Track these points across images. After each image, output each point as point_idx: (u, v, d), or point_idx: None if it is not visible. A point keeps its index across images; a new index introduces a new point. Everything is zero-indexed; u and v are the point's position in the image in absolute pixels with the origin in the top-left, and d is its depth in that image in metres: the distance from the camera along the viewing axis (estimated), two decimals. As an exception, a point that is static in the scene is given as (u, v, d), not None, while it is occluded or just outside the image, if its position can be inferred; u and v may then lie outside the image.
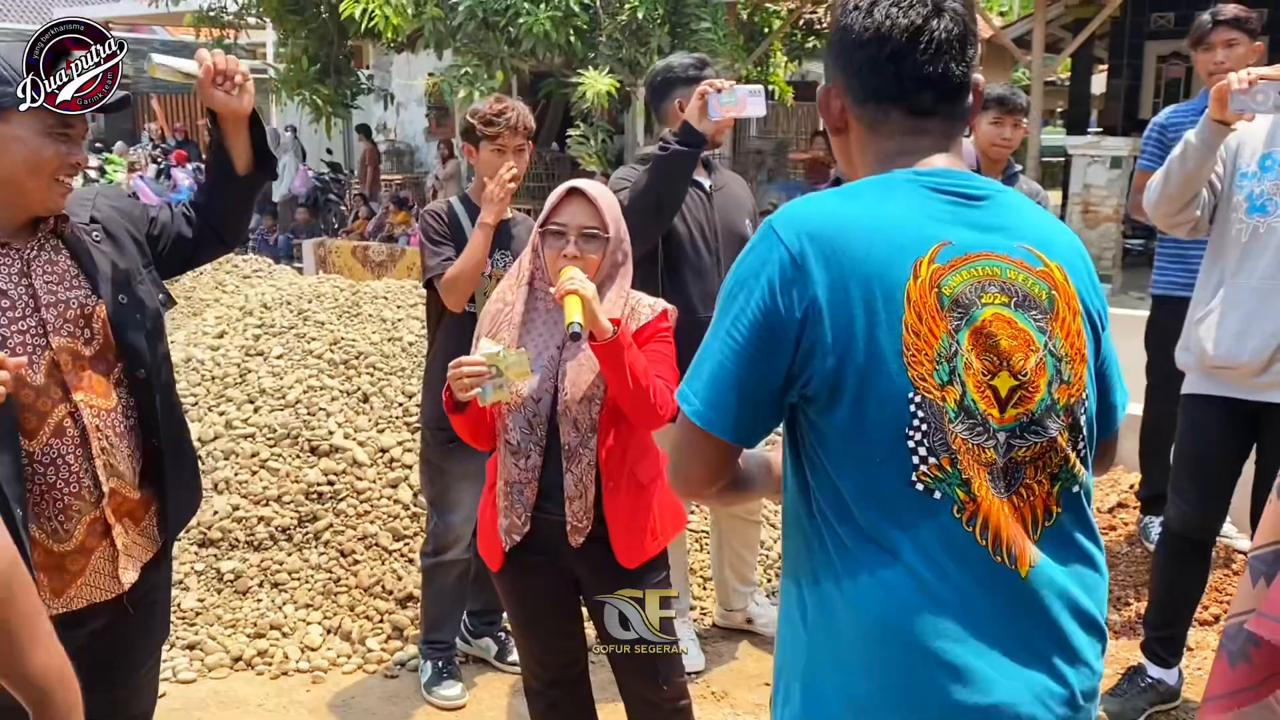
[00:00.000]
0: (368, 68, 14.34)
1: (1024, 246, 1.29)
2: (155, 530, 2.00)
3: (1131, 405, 1.54)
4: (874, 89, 1.32)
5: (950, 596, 1.22)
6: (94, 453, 1.83)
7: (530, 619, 2.37)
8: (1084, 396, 1.31)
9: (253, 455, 4.00)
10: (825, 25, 11.63)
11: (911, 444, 1.22)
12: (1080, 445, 1.31)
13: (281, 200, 13.07)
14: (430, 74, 11.03)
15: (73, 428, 1.81)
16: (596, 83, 8.30)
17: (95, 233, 1.92)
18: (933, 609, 1.22)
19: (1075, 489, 1.31)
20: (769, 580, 3.99)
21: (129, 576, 1.92)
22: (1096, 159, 8.02)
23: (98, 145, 18.11)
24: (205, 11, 12.02)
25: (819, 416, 1.26)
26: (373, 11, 8.92)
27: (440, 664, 3.20)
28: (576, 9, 8.52)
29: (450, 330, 2.98)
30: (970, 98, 1.35)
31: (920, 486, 1.23)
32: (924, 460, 1.22)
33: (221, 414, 4.21)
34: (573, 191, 2.20)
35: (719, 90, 2.83)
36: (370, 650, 3.43)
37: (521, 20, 8.46)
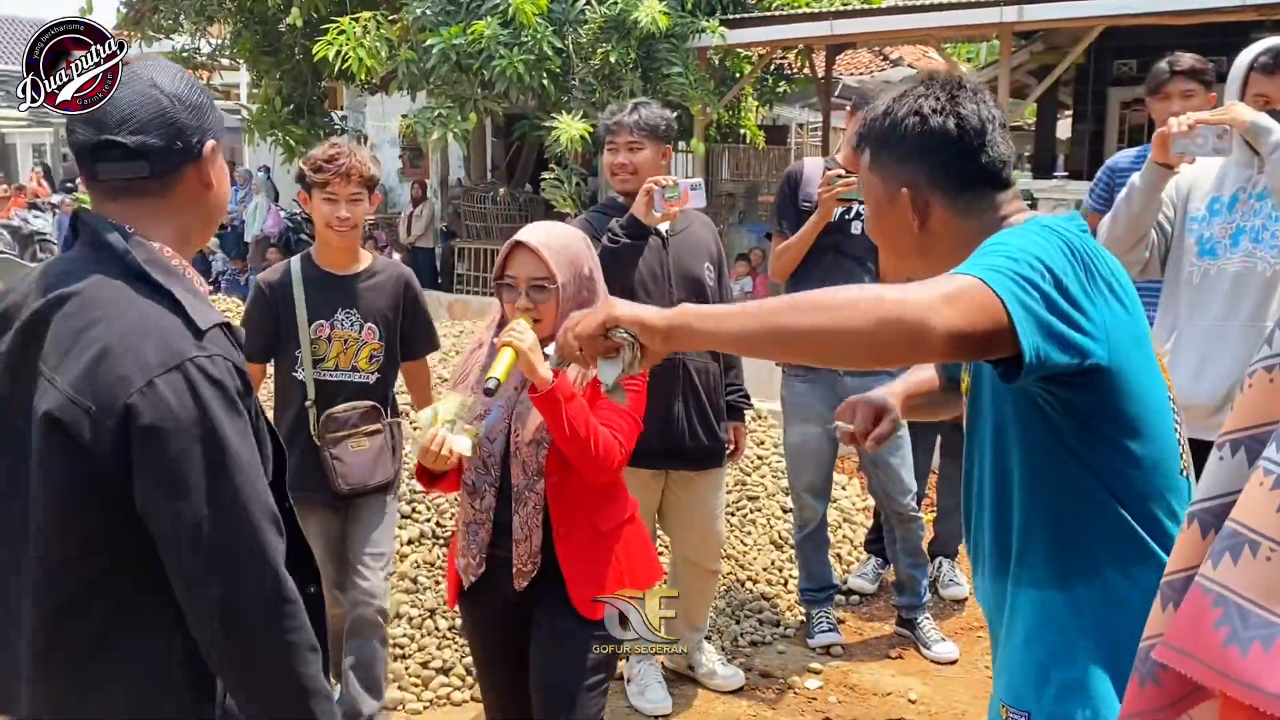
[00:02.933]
0: (342, 109, 14.39)
1: None
2: None
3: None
4: (968, 178, 1.45)
5: None
6: None
7: (486, 657, 2.38)
8: None
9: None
10: (795, 70, 11.79)
11: (1177, 434, 1.42)
12: None
13: (253, 240, 13.04)
14: (404, 115, 11.08)
15: None
16: (570, 127, 8.36)
17: None
18: None
19: None
20: (725, 629, 3.97)
21: None
22: (1061, 202, 8.14)
23: (69, 185, 18.03)
24: (179, 53, 12.07)
25: (1107, 421, 1.36)
26: (346, 54, 8.98)
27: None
28: (549, 53, 8.61)
29: (282, 396, 2.99)
30: None
31: (1186, 475, 1.41)
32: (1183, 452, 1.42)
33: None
34: (518, 244, 2.20)
35: (663, 187, 3.02)
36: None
37: (495, 63, 8.53)
